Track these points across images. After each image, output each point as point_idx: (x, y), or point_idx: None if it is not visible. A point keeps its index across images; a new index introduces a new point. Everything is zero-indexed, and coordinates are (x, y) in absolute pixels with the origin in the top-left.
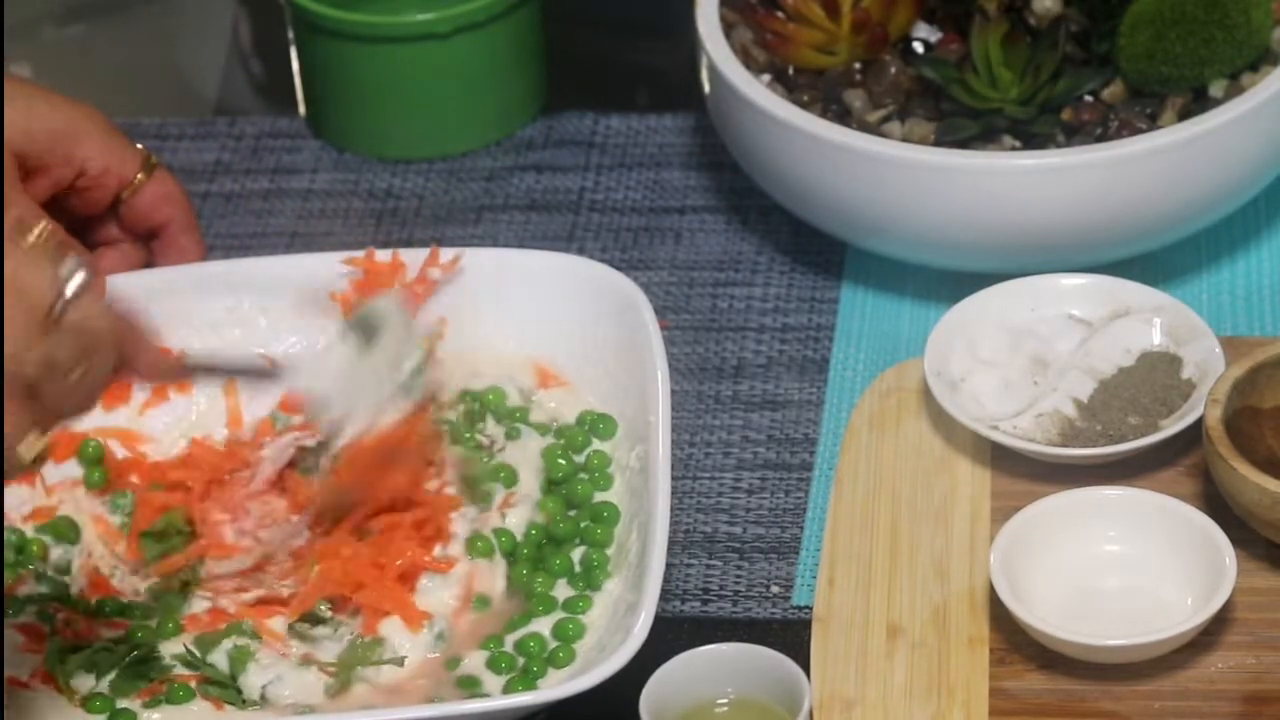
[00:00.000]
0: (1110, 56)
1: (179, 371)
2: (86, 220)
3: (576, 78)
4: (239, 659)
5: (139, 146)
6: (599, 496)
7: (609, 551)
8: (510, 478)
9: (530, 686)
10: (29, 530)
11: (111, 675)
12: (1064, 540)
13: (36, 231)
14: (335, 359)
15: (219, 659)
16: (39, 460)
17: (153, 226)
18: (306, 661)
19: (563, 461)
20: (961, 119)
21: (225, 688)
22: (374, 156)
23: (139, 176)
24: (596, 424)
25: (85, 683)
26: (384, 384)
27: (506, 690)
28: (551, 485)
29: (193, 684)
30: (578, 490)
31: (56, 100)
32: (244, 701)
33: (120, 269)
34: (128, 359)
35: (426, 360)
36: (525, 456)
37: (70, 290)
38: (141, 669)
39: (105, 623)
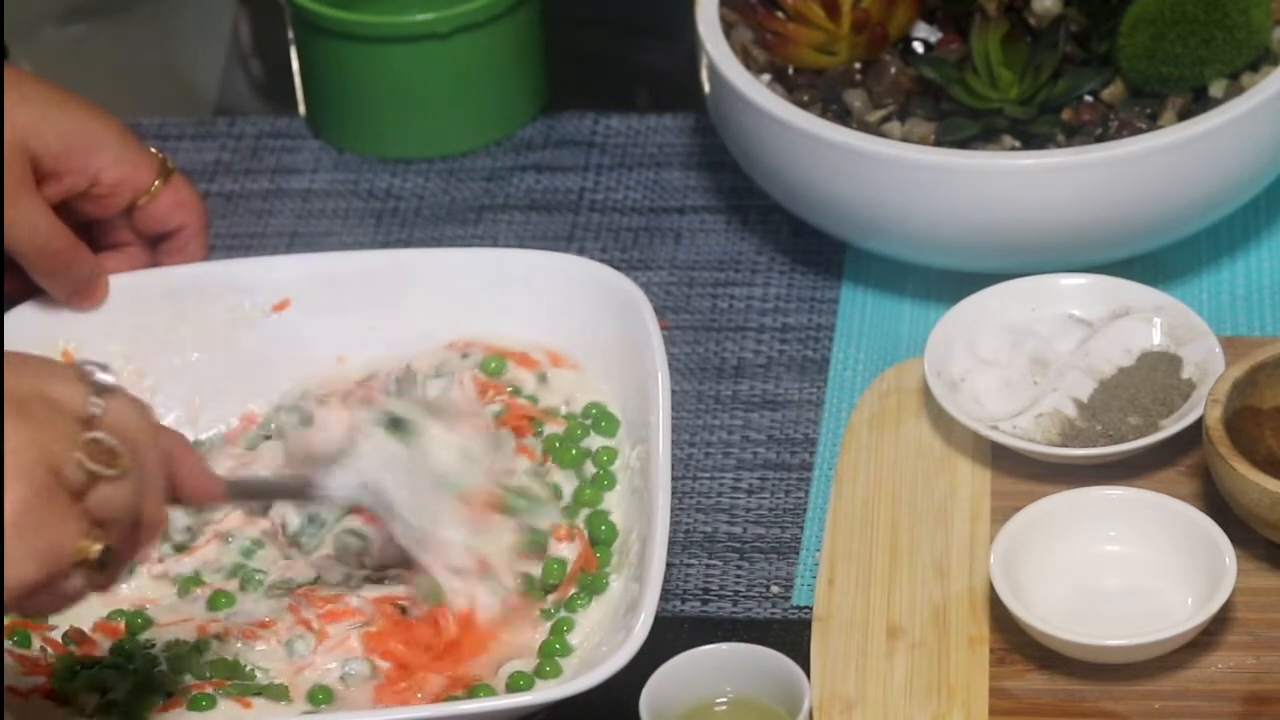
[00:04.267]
0: (1110, 56)
1: (223, 494)
2: (97, 222)
3: (576, 78)
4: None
5: (155, 152)
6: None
7: (608, 568)
8: (557, 492)
9: (529, 686)
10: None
11: (121, 694)
12: (1064, 540)
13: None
14: (370, 452)
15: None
16: (103, 565)
17: (165, 231)
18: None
19: (574, 452)
20: (961, 119)
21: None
22: (374, 156)
23: (155, 184)
24: (599, 421)
25: (91, 699)
26: (428, 468)
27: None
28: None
29: (210, 689)
30: (579, 498)
31: (73, 108)
32: (260, 687)
33: (125, 271)
34: (177, 477)
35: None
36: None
37: (99, 385)
38: (151, 685)
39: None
